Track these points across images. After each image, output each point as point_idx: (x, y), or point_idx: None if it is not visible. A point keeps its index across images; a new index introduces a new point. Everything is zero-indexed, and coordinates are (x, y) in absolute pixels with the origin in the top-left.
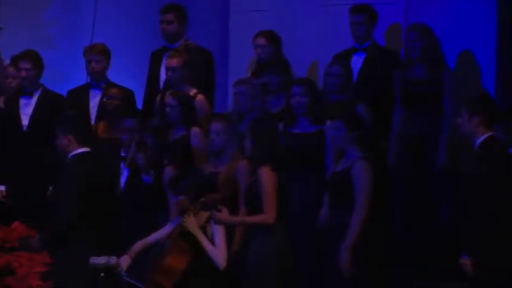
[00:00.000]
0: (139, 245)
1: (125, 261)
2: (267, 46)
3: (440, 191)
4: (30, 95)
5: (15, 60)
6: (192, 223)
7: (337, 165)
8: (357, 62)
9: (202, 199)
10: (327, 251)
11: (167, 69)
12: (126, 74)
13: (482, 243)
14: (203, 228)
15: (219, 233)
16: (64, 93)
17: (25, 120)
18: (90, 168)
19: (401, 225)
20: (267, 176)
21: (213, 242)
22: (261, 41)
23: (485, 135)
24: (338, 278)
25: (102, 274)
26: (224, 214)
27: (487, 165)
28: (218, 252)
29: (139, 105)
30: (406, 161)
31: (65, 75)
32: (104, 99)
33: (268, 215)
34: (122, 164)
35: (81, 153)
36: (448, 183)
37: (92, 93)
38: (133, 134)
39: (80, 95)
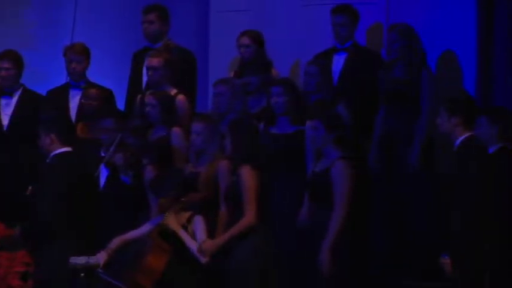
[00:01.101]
0: (117, 241)
1: (101, 257)
2: (251, 46)
3: (419, 190)
4: (10, 95)
5: None
6: (172, 221)
7: (317, 165)
8: (338, 62)
9: (183, 199)
10: (308, 251)
11: (148, 68)
12: (108, 74)
13: (462, 243)
14: (184, 227)
15: (200, 228)
16: (44, 93)
17: (5, 120)
18: (72, 168)
19: (382, 224)
20: (247, 175)
21: (195, 239)
22: (245, 40)
23: (465, 135)
24: (319, 277)
25: (82, 274)
26: (207, 243)
27: (467, 165)
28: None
29: (122, 105)
30: (386, 160)
31: (45, 75)
32: (82, 101)
33: (248, 216)
34: (102, 165)
35: (63, 152)
36: (425, 183)
37: (71, 93)
38: (112, 134)
39: (59, 95)
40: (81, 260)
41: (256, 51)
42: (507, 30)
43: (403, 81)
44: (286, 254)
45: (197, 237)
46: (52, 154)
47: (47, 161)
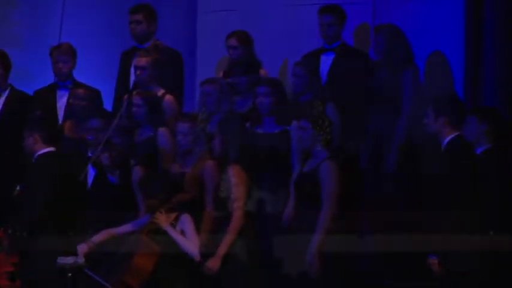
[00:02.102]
0: (102, 235)
1: (82, 249)
2: (239, 47)
3: (404, 190)
4: None
5: None
6: (163, 220)
7: (304, 165)
8: (325, 62)
9: (171, 200)
10: (295, 252)
11: (136, 68)
12: (95, 74)
13: (450, 243)
14: (172, 225)
15: (189, 226)
16: (32, 93)
17: None
18: (56, 168)
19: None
20: (237, 175)
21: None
22: (233, 42)
23: (452, 135)
24: (306, 278)
25: (69, 274)
26: (212, 262)
27: (455, 165)
28: (191, 243)
29: (109, 105)
30: (376, 160)
31: (32, 75)
32: (70, 101)
33: (238, 217)
34: (90, 164)
35: (47, 152)
36: (409, 183)
37: (58, 93)
38: (99, 134)
39: (46, 95)
40: (69, 260)
41: (244, 52)
42: (495, 30)
43: (389, 81)
44: (273, 253)
45: (186, 232)
46: (36, 154)
47: (32, 161)
